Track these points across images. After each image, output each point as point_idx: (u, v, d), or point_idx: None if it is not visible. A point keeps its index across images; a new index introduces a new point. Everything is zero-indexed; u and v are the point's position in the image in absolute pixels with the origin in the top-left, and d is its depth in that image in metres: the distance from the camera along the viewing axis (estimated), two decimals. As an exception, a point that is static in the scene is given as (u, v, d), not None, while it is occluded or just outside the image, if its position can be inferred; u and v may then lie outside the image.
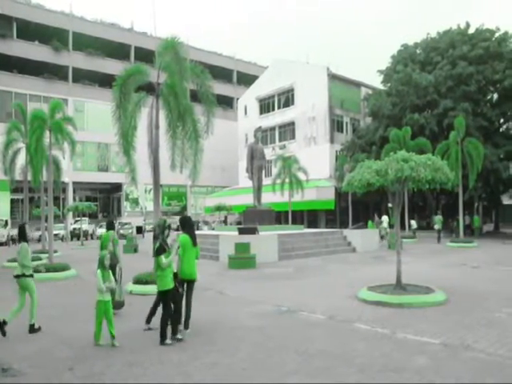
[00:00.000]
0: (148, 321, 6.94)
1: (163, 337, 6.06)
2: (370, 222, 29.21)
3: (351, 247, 19.79)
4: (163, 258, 6.11)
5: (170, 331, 6.20)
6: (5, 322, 6.71)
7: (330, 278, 12.17)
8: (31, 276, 7.21)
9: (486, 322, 7.04)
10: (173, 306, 6.27)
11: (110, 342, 6.07)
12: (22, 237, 7.46)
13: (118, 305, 7.92)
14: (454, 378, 4.73)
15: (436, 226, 25.44)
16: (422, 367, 5.03)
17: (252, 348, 5.88)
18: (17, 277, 7.11)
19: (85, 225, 33.53)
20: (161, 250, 6.16)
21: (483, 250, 19.93)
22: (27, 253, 7.18)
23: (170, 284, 6.16)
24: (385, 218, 30.02)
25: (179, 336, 6.22)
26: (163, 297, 6.22)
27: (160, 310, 6.36)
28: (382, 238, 24.72)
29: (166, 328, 6.12)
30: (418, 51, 33.98)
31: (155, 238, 6.36)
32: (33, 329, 6.99)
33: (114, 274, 7.50)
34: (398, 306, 8.12)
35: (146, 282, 10.32)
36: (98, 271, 6.26)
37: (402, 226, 25.49)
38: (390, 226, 27.87)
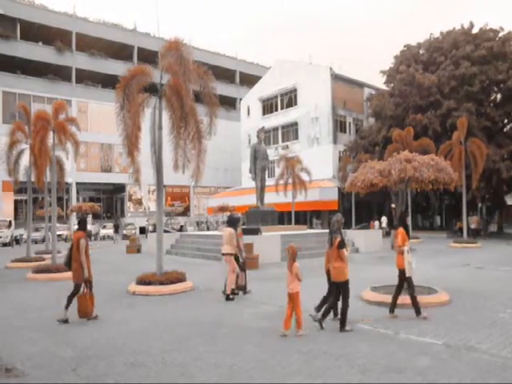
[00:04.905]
0: (318, 309, 7.27)
1: (344, 324, 6.62)
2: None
3: (354, 247, 19.74)
4: (345, 252, 6.79)
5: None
6: (231, 295, 9.27)
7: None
8: (231, 255, 9.55)
9: (489, 322, 7.02)
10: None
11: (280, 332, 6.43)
12: (232, 225, 9.94)
13: (244, 288, 9.85)
14: (456, 378, 4.72)
15: (472, 226, 27.60)
16: (425, 368, 5.02)
17: (255, 349, 5.88)
18: (223, 254, 9.71)
19: (88, 225, 33.52)
20: (343, 243, 6.86)
21: (487, 251, 19.87)
22: (233, 237, 9.61)
23: (347, 275, 6.79)
24: (383, 219, 30.00)
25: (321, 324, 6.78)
26: (344, 286, 6.78)
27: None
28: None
29: (347, 315, 6.64)
30: (421, 51, 33.85)
31: (331, 232, 7.02)
32: (228, 297, 9.20)
33: (237, 263, 9.68)
34: (401, 306, 8.09)
35: (149, 283, 10.30)
36: (296, 264, 6.54)
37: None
38: (393, 226, 27.83)
